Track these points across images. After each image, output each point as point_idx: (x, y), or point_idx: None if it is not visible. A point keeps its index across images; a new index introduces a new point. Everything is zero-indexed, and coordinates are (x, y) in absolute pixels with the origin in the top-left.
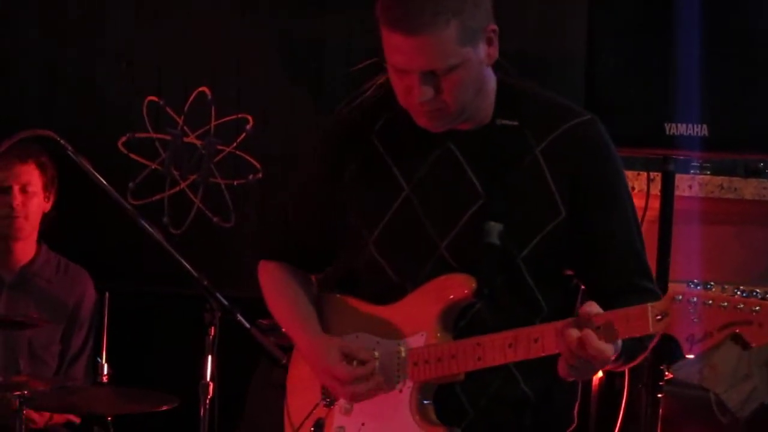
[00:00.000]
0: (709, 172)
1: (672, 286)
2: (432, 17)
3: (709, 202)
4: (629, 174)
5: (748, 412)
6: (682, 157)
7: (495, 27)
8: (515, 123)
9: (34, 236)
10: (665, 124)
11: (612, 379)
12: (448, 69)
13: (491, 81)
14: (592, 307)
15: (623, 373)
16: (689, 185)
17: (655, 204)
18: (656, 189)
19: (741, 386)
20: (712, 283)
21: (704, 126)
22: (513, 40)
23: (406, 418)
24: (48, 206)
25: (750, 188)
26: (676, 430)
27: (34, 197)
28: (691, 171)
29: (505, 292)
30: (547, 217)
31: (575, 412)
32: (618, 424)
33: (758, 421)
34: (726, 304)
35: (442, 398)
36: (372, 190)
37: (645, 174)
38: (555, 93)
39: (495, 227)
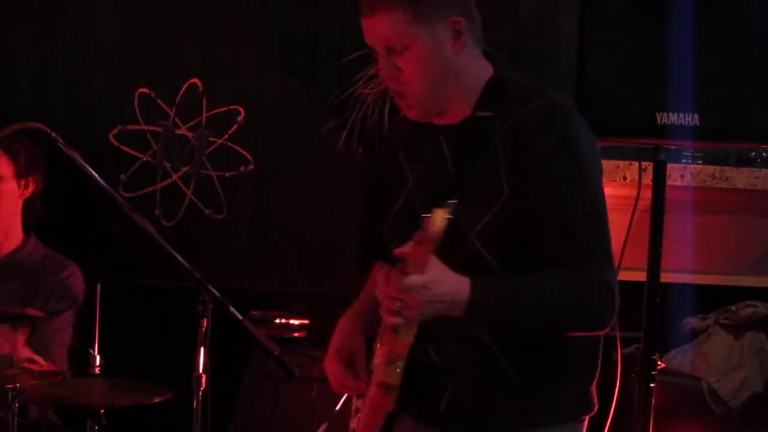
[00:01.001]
0: (701, 162)
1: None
2: (386, 1)
3: (701, 192)
4: (621, 164)
5: (740, 401)
6: (673, 147)
7: (460, 20)
8: (490, 114)
9: (17, 224)
10: (657, 114)
11: (605, 369)
12: (402, 47)
13: (473, 74)
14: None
15: (616, 362)
16: (681, 175)
17: (647, 194)
18: (648, 179)
19: (733, 375)
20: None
21: (696, 115)
22: (506, 32)
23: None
24: (27, 193)
25: (742, 177)
26: (669, 419)
27: (8, 186)
28: (683, 160)
29: (465, 266)
30: (496, 196)
31: (592, 395)
32: (611, 414)
33: (750, 410)
34: None
35: (421, 369)
36: (389, 183)
37: (637, 163)
38: (547, 83)
39: (451, 204)
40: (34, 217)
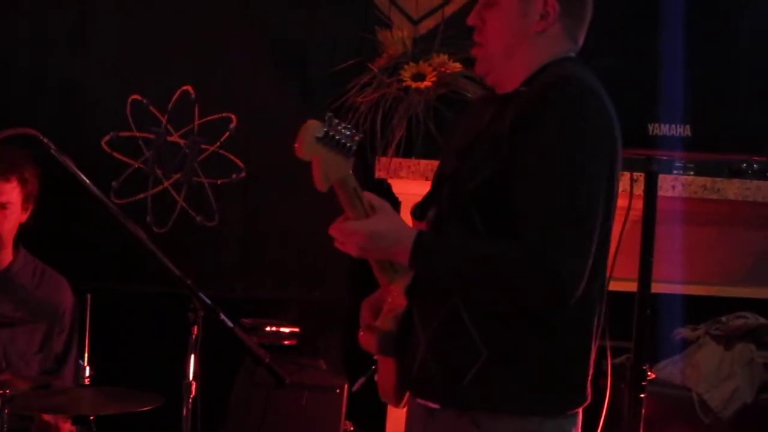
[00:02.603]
0: (692, 173)
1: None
2: None
3: (693, 203)
4: None
5: (730, 411)
6: (665, 158)
7: (554, 3)
8: (524, 89)
9: (11, 244)
10: (648, 125)
11: (595, 378)
12: (488, 1)
13: (543, 56)
14: None
15: (606, 372)
16: (672, 186)
17: (639, 204)
18: (639, 189)
19: (723, 386)
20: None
21: (687, 126)
22: None
23: None
24: (25, 217)
25: (733, 189)
26: (659, 430)
27: (12, 213)
28: (675, 171)
29: (451, 219)
30: (493, 159)
31: (584, 386)
32: (600, 424)
33: (740, 421)
34: None
35: (406, 327)
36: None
37: (628, 174)
38: None
39: (451, 162)
40: (26, 229)
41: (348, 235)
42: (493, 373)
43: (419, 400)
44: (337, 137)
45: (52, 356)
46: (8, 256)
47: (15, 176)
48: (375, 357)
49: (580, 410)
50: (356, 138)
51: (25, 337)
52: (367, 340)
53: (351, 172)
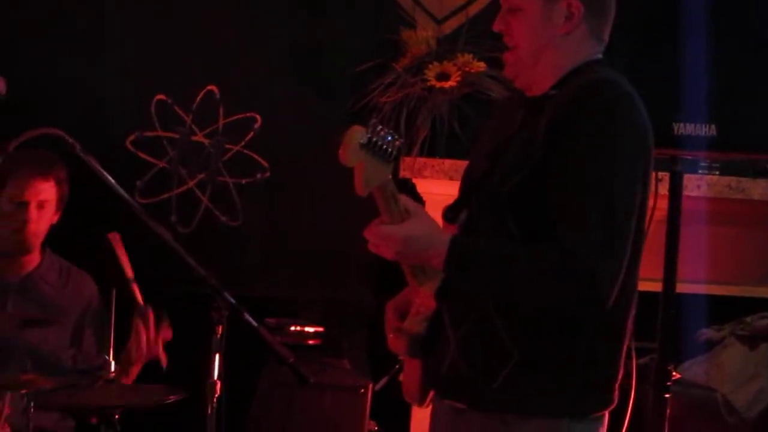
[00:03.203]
0: (717, 173)
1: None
2: None
3: (718, 203)
4: None
5: (755, 412)
6: (690, 157)
7: (577, 4)
8: (556, 92)
9: (39, 245)
10: (673, 124)
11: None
12: (517, 7)
13: (571, 58)
14: None
15: (630, 373)
16: (698, 185)
17: (663, 204)
18: (664, 189)
19: (748, 386)
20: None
21: (713, 126)
22: None
23: None
24: (56, 218)
25: (758, 189)
26: (683, 430)
27: (47, 213)
28: (700, 171)
29: (483, 222)
30: (527, 162)
31: (612, 388)
32: (625, 424)
33: (765, 422)
34: None
35: (437, 327)
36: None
37: (653, 174)
38: None
39: (481, 165)
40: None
41: (383, 239)
42: (524, 375)
43: (446, 401)
44: (380, 143)
45: (83, 351)
46: (36, 257)
47: (53, 176)
48: (401, 357)
49: (607, 412)
50: (398, 143)
51: (57, 336)
52: (396, 343)
53: (390, 176)
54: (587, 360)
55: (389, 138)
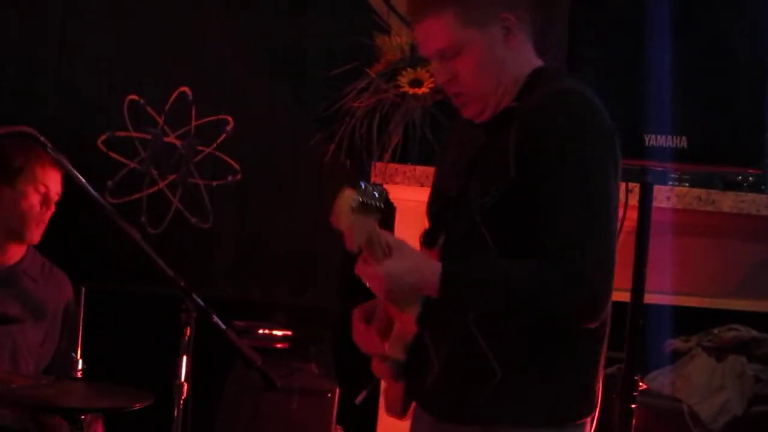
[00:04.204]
0: (687, 184)
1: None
2: (432, 4)
3: (687, 214)
4: None
5: (720, 424)
6: (660, 169)
7: (509, 16)
8: (515, 105)
9: None
10: (644, 135)
11: None
12: (453, 52)
13: (523, 68)
14: None
15: None
16: (667, 197)
17: (633, 215)
18: (634, 200)
19: (714, 398)
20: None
21: (683, 137)
22: None
23: None
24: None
25: (728, 201)
26: None
27: (53, 209)
28: (670, 182)
29: (461, 241)
30: (503, 178)
31: (595, 394)
32: None
33: None
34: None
35: (418, 347)
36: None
37: (623, 185)
38: None
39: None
40: None
41: (370, 279)
42: (508, 390)
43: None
44: (369, 201)
45: (52, 350)
46: (21, 250)
47: (60, 173)
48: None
49: (589, 419)
50: (384, 194)
51: (34, 332)
52: (380, 369)
53: (377, 224)
54: (570, 369)
55: (376, 194)
